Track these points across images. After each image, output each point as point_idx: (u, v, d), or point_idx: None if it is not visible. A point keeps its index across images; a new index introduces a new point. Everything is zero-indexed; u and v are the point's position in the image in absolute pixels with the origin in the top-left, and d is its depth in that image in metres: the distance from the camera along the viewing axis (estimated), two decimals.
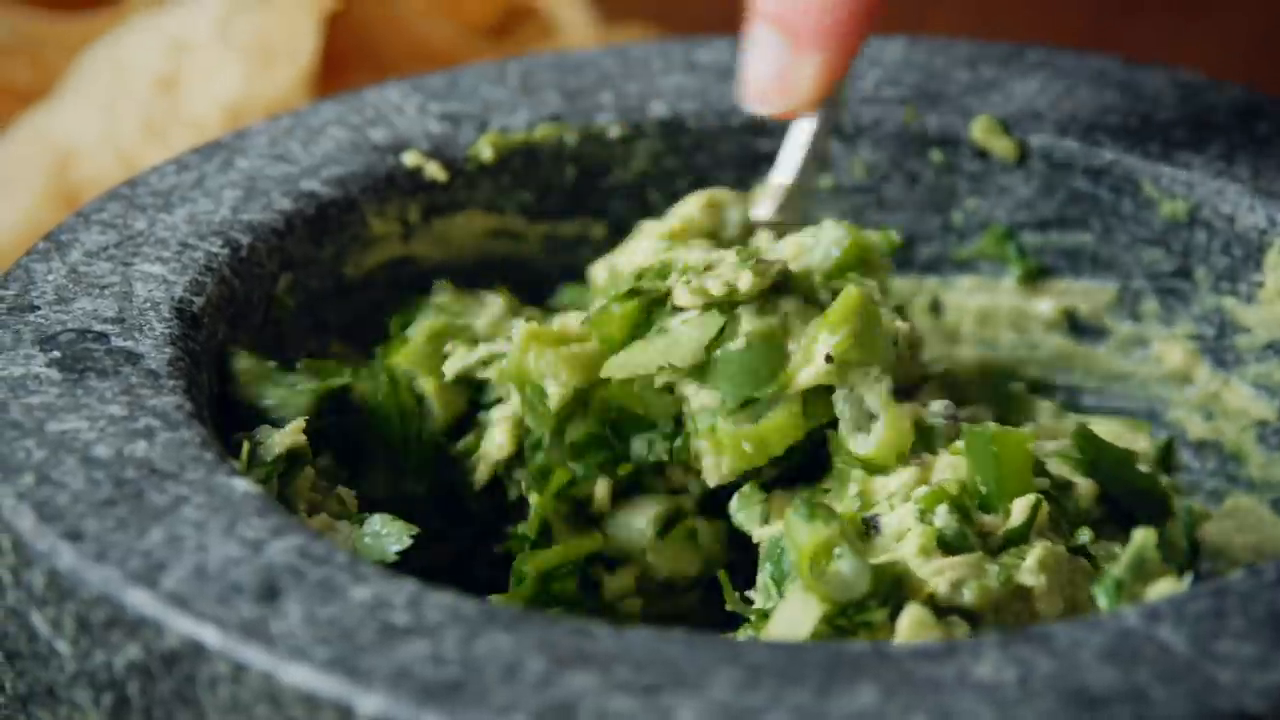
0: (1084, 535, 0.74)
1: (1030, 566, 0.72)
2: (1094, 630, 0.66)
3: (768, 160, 0.88)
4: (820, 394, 0.77)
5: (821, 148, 0.82)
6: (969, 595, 0.71)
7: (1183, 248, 0.85)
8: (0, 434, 0.73)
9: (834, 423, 0.77)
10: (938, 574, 0.72)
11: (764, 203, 0.83)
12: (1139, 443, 0.82)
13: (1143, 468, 0.78)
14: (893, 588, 0.71)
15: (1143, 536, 0.71)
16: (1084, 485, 0.76)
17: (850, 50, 0.80)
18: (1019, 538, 0.73)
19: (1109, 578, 0.71)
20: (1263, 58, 1.23)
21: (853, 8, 0.79)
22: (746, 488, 0.78)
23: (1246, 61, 1.22)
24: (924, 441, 0.76)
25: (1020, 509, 0.73)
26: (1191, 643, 0.66)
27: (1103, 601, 0.70)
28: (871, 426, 0.76)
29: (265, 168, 0.85)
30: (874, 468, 0.76)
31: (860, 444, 0.76)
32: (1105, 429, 0.81)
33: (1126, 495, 0.77)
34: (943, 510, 0.73)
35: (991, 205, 0.87)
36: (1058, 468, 0.76)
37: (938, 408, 0.78)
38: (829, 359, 0.76)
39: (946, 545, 0.73)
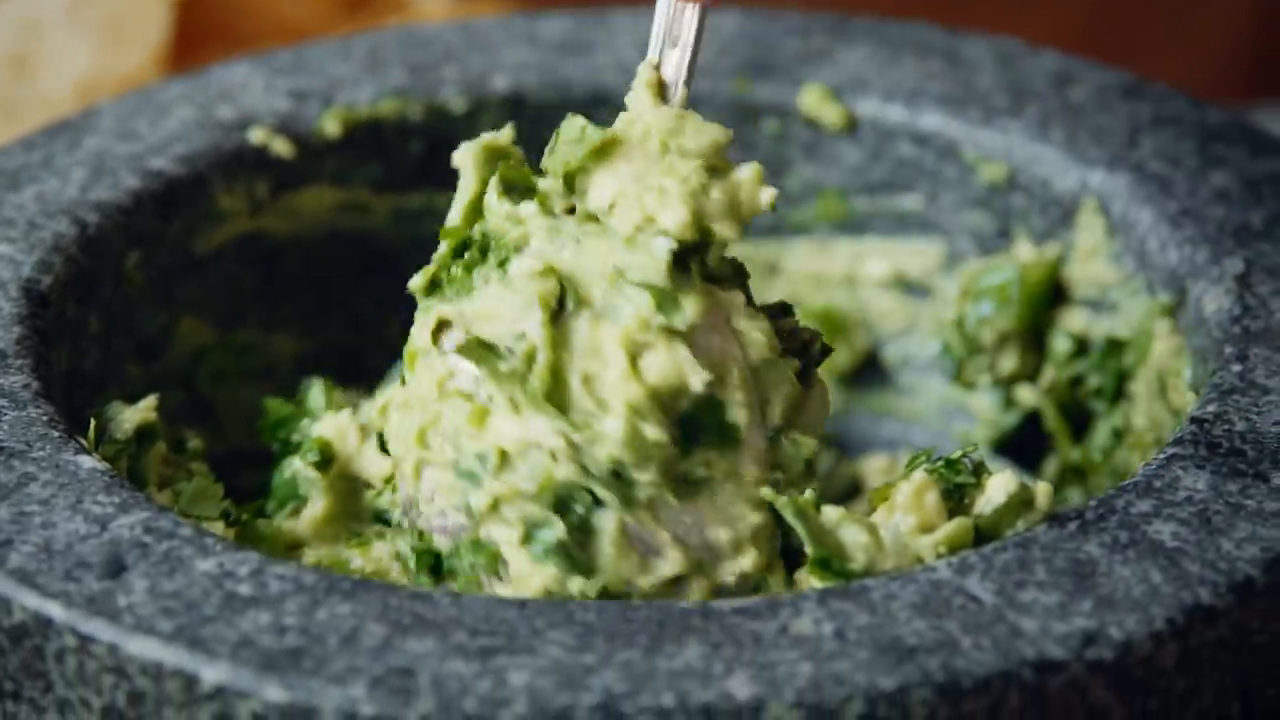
0: None
1: None
2: (908, 583, 0.69)
3: None
4: None
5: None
6: None
7: (1003, 210, 0.88)
8: None
9: None
10: None
11: (675, 96, 0.76)
12: None
13: None
14: None
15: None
16: None
17: None
18: None
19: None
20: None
21: None
22: None
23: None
24: None
25: None
26: (998, 593, 0.69)
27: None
28: None
29: (113, 146, 0.87)
30: None
31: None
32: None
33: None
34: None
35: (823, 171, 0.90)
36: None
37: None
38: None
39: None
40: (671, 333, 0.72)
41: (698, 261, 0.73)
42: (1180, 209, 0.83)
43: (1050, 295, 0.87)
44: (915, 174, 0.89)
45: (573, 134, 0.75)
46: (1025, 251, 0.87)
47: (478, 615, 0.68)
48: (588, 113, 0.89)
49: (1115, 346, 0.85)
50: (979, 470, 0.73)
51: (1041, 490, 0.73)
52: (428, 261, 0.91)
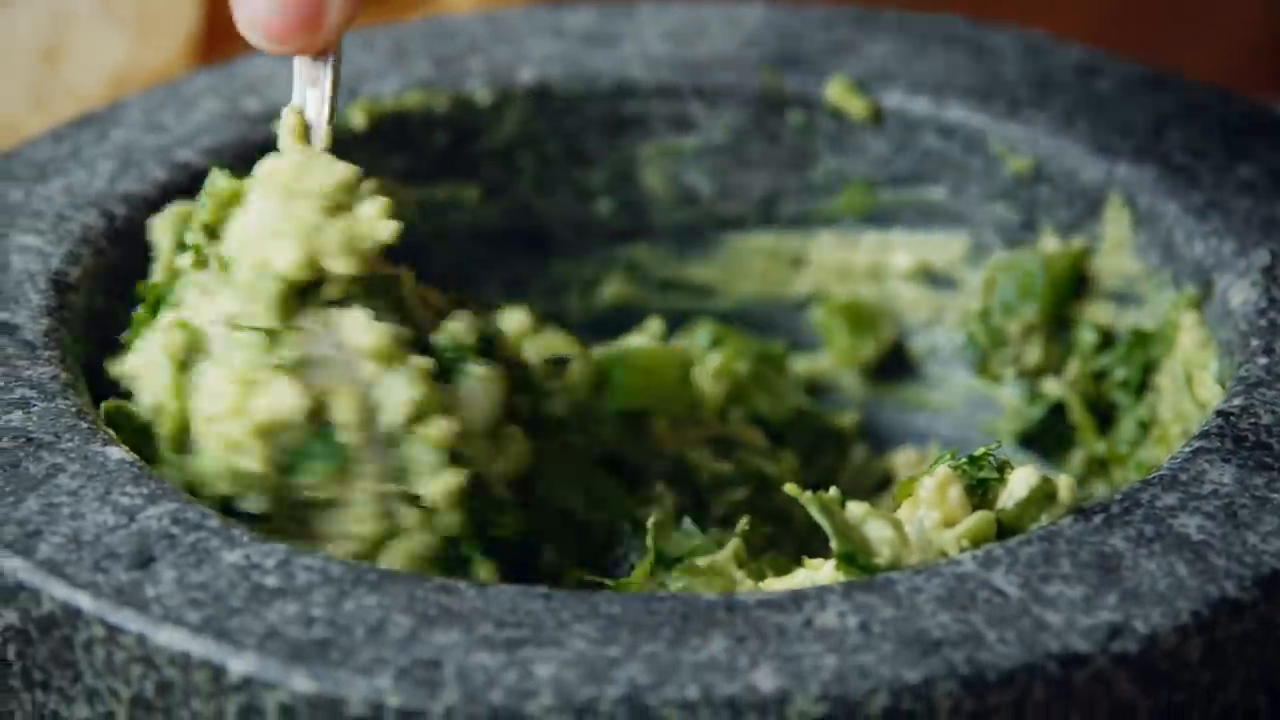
0: None
1: None
2: (933, 576, 0.69)
3: (635, 124, 0.90)
4: None
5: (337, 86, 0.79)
6: None
7: (1029, 202, 0.88)
8: None
9: None
10: None
11: (318, 139, 0.79)
12: None
13: None
14: None
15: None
16: None
17: None
18: None
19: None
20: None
21: None
22: None
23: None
24: None
25: None
26: (1023, 586, 0.69)
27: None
28: None
29: (140, 139, 0.87)
30: None
31: None
32: None
33: None
34: None
35: (849, 162, 0.90)
36: None
37: None
38: None
39: None
40: (280, 369, 0.75)
41: (315, 296, 0.76)
42: (1206, 201, 0.83)
43: (1075, 287, 0.87)
44: (941, 166, 0.89)
45: (216, 187, 0.79)
46: (1050, 243, 0.87)
47: (504, 607, 0.69)
48: (613, 104, 0.90)
49: (1141, 339, 0.85)
50: (1002, 466, 0.73)
51: (1064, 484, 0.73)
52: (453, 253, 0.92)
